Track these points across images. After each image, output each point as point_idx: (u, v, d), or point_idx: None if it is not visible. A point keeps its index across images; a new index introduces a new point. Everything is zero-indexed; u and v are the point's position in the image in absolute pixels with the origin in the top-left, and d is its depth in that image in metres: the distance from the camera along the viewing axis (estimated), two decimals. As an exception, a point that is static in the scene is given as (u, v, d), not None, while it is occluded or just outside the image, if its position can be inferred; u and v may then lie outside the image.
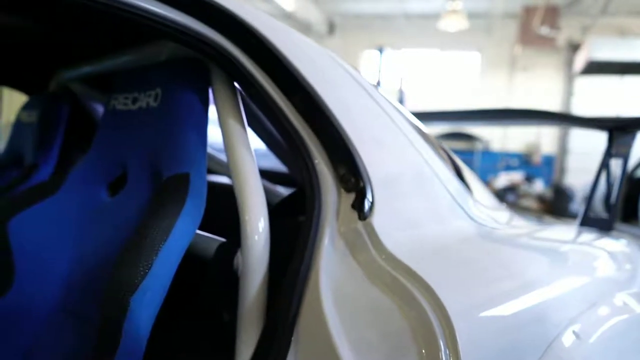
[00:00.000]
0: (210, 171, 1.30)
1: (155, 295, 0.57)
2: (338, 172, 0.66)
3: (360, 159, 0.66)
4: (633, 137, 1.36)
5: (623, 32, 8.84)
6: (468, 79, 10.45)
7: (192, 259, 0.64)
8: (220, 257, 0.69)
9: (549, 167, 9.99)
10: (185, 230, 0.62)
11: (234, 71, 0.69)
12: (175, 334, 0.73)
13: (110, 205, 0.83)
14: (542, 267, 0.80)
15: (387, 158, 0.73)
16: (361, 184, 0.65)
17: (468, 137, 9.72)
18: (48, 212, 0.85)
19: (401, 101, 7.42)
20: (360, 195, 0.65)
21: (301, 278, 0.59)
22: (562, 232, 1.12)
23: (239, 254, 0.66)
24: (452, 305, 0.57)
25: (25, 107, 1.33)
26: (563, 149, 10.01)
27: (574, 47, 9.27)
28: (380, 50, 8.85)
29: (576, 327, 0.69)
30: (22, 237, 0.82)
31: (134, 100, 0.81)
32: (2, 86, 1.48)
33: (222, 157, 1.21)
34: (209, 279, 0.70)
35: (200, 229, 0.68)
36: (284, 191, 1.07)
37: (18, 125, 1.35)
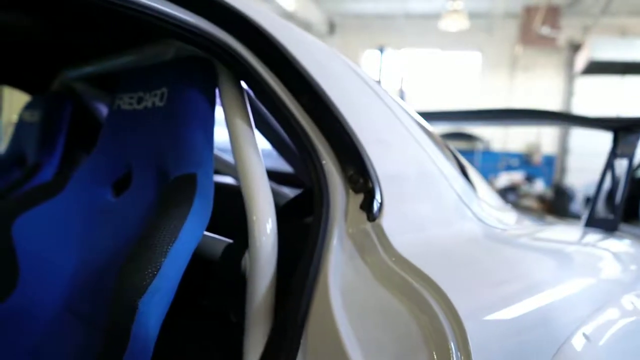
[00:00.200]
0: (215, 171, 1.30)
1: (164, 297, 0.57)
2: (346, 173, 0.66)
3: (369, 159, 0.66)
4: (638, 137, 1.35)
5: (624, 32, 8.84)
6: (469, 79, 10.45)
7: (198, 260, 0.64)
8: (227, 258, 0.68)
9: (549, 167, 9.99)
10: (194, 232, 0.61)
11: (241, 70, 0.68)
12: (182, 336, 0.72)
13: (115, 205, 0.82)
14: (551, 269, 0.80)
15: (395, 158, 0.73)
16: (370, 185, 0.64)
17: (469, 137, 9.72)
18: (52, 213, 0.84)
19: (402, 101, 7.39)
20: (369, 196, 0.64)
21: (310, 279, 0.58)
22: (569, 233, 1.12)
23: (246, 255, 0.66)
24: (463, 307, 0.56)
25: (28, 107, 1.33)
26: (563, 149, 10.01)
27: (575, 47, 9.26)
28: (381, 50, 8.84)
29: (586, 330, 0.69)
30: (27, 237, 0.82)
31: (139, 100, 0.80)
32: (4, 86, 1.47)
33: (226, 156, 1.21)
34: (216, 281, 0.69)
35: (205, 229, 0.67)
36: (288, 192, 1.07)
37: (20, 125, 1.34)
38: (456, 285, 0.60)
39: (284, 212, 0.71)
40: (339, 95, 0.69)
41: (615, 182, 1.37)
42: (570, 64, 9.62)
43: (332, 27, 10.81)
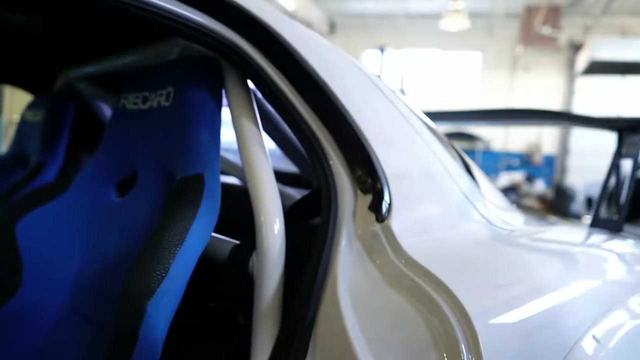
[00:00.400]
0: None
1: (172, 299, 0.56)
2: (354, 173, 0.65)
3: (377, 159, 0.65)
4: (643, 138, 1.34)
5: (624, 32, 8.83)
6: (469, 78, 10.44)
7: (204, 261, 0.63)
8: (234, 259, 0.68)
9: (550, 167, 9.98)
10: (202, 233, 0.61)
11: (248, 69, 0.67)
12: (189, 338, 0.71)
13: (120, 205, 0.82)
14: (559, 271, 0.79)
15: (403, 158, 0.72)
16: (378, 185, 0.64)
17: (469, 137, 9.71)
18: (56, 213, 0.84)
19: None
20: (378, 196, 0.63)
21: (319, 280, 0.57)
22: (575, 234, 1.11)
23: (254, 256, 0.65)
24: (473, 309, 0.56)
25: (31, 107, 1.32)
26: (564, 149, 10.01)
27: (576, 47, 9.26)
28: (382, 50, 8.84)
29: (595, 332, 0.68)
30: (30, 238, 0.81)
31: (145, 100, 0.80)
32: (7, 85, 1.46)
33: (229, 156, 1.20)
34: (223, 282, 0.69)
35: None
36: (292, 192, 1.06)
37: (23, 125, 1.34)
38: (466, 287, 0.59)
39: (291, 213, 0.71)
40: (347, 94, 0.68)
41: (619, 182, 1.36)
42: (570, 64, 9.61)
43: (332, 27, 10.80)
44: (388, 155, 0.68)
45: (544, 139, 9.94)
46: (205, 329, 0.76)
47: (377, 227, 0.62)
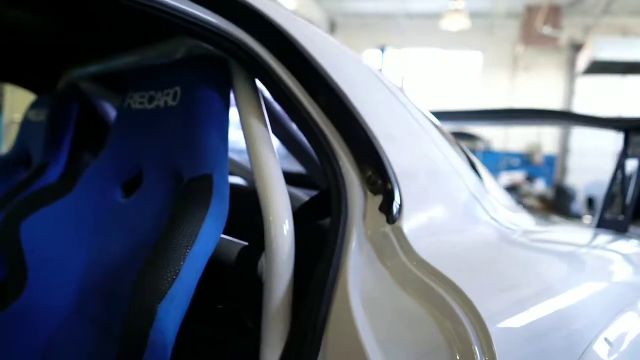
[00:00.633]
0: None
1: (182, 303, 0.55)
2: (365, 174, 0.64)
3: (388, 159, 0.64)
4: (649, 138, 1.34)
5: (625, 32, 8.82)
6: (470, 78, 10.43)
7: (212, 262, 0.62)
8: (243, 261, 0.67)
9: (550, 167, 9.98)
10: (211, 234, 0.60)
11: (257, 69, 0.67)
12: (196, 341, 0.71)
13: (125, 206, 0.81)
14: (570, 272, 0.78)
15: (412, 158, 0.71)
16: (389, 186, 0.63)
17: (469, 137, 9.70)
18: (61, 214, 0.83)
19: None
20: (389, 197, 0.62)
21: (330, 283, 0.57)
22: (583, 236, 1.10)
23: (263, 258, 0.64)
24: (486, 312, 0.55)
25: (34, 106, 1.31)
26: (565, 149, 10.00)
27: (576, 47, 9.25)
28: (382, 50, 8.83)
29: (607, 335, 0.68)
30: (35, 239, 0.80)
31: (151, 99, 0.79)
32: (9, 84, 1.45)
33: (234, 157, 1.19)
34: (231, 284, 0.68)
35: None
36: (299, 193, 1.05)
37: (26, 124, 1.33)
38: (478, 289, 0.59)
39: (300, 214, 0.70)
40: (356, 94, 0.67)
41: (625, 183, 1.35)
42: (571, 63, 9.60)
43: (333, 27, 10.79)
44: (398, 154, 0.67)
45: (544, 139, 9.94)
46: (213, 332, 0.75)
47: (387, 228, 0.61)
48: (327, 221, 0.66)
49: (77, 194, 0.84)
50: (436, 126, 0.86)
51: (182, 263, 0.55)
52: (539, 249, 0.85)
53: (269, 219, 0.61)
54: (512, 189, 8.39)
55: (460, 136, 9.42)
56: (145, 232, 0.72)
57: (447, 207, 0.73)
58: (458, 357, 0.52)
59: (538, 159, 9.95)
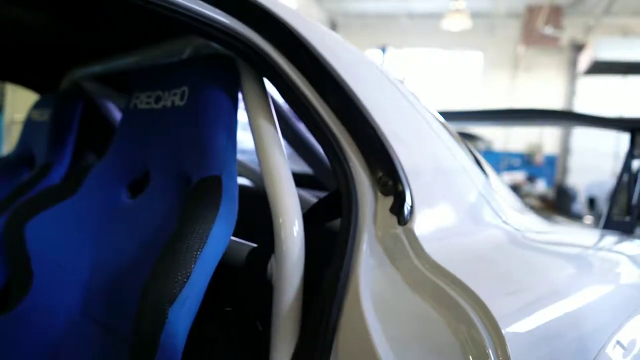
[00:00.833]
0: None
1: (192, 305, 0.55)
2: (375, 175, 0.63)
3: (399, 160, 0.64)
4: (655, 139, 1.33)
5: (626, 32, 8.81)
6: (470, 78, 10.42)
7: (221, 264, 0.62)
8: (252, 263, 0.66)
9: (551, 167, 9.97)
10: (221, 236, 0.59)
11: (265, 68, 0.66)
12: (205, 344, 0.70)
13: (131, 207, 0.80)
14: (580, 274, 0.78)
15: (422, 158, 0.71)
16: (400, 187, 0.62)
17: (470, 137, 9.69)
18: (66, 215, 0.82)
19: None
20: (399, 199, 0.62)
21: (340, 285, 0.56)
22: (590, 237, 1.10)
23: (272, 259, 0.64)
24: (499, 314, 0.54)
25: (37, 106, 1.31)
26: (565, 149, 9.99)
27: (577, 47, 9.24)
28: (383, 50, 8.82)
29: (620, 337, 0.67)
30: (40, 239, 0.80)
31: (157, 99, 0.78)
32: (12, 84, 1.44)
33: (239, 157, 1.18)
34: (240, 286, 0.67)
35: None
36: (303, 193, 1.05)
37: (29, 124, 1.32)
38: (490, 291, 0.58)
39: (310, 216, 0.69)
40: (366, 94, 0.67)
41: (631, 183, 1.35)
42: (572, 63, 9.59)
43: (333, 27, 10.78)
44: (407, 154, 0.66)
45: (545, 139, 9.93)
46: (222, 335, 0.74)
47: (399, 230, 0.60)
48: (336, 222, 0.65)
49: (83, 195, 0.83)
50: (443, 124, 0.86)
51: (192, 265, 0.54)
52: (548, 251, 0.84)
53: (279, 220, 0.60)
54: (512, 189, 8.38)
55: (460, 136, 9.40)
56: (152, 233, 0.72)
57: (457, 208, 0.72)
58: (471, 359, 0.51)
59: (539, 159, 9.94)
